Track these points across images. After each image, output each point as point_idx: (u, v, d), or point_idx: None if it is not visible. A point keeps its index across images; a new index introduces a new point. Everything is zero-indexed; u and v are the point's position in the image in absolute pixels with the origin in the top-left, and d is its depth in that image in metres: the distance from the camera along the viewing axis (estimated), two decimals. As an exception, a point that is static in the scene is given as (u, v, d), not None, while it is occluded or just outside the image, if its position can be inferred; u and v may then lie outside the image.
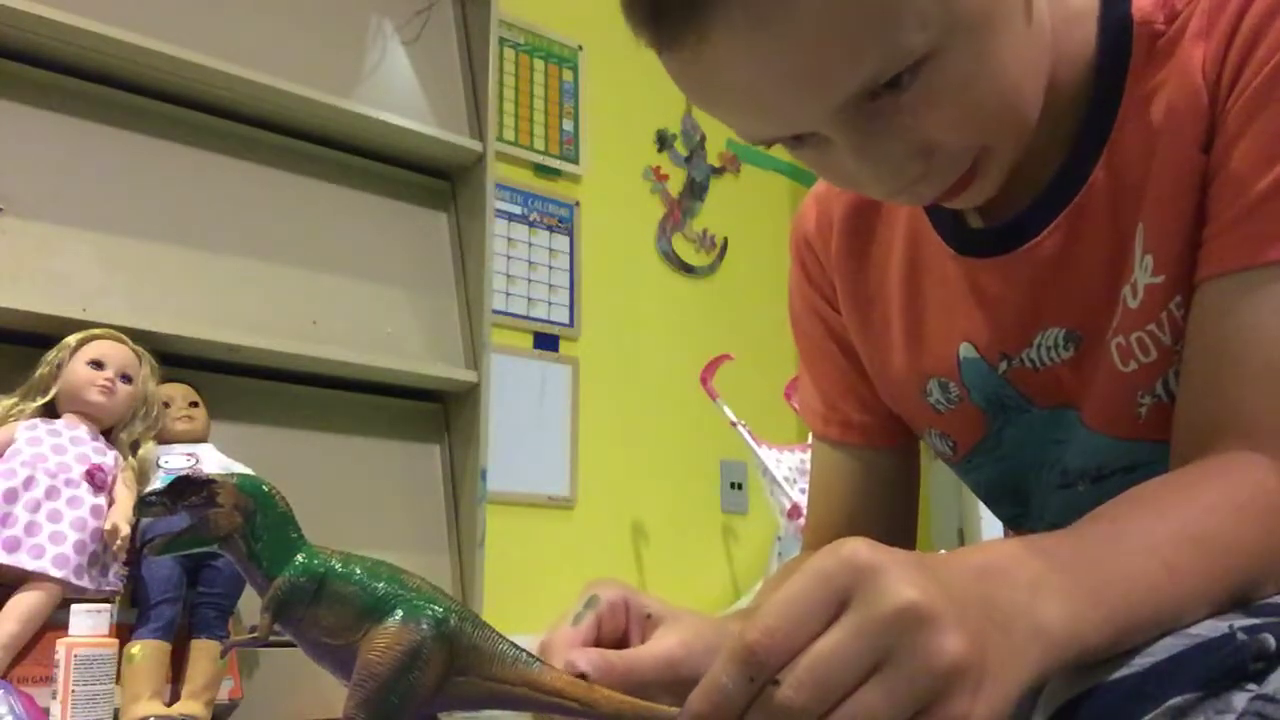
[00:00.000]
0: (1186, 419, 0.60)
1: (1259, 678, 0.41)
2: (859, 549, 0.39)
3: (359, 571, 0.53)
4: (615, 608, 0.57)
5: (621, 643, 0.57)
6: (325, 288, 2.04)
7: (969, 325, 0.72)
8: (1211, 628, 0.44)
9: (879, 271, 0.79)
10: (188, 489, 0.53)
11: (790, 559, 0.90)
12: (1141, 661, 0.44)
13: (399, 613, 0.51)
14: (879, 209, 0.79)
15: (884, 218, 0.79)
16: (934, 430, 0.79)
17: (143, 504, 0.53)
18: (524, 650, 0.52)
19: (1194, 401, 0.60)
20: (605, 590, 0.57)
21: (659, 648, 0.55)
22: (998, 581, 0.42)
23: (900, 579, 0.38)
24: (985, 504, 0.82)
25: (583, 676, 0.51)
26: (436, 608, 0.51)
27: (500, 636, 0.52)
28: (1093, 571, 0.44)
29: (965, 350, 0.73)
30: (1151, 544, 0.47)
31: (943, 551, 0.50)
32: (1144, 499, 0.52)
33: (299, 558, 0.53)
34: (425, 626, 0.51)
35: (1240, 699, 0.40)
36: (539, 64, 3.03)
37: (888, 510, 0.85)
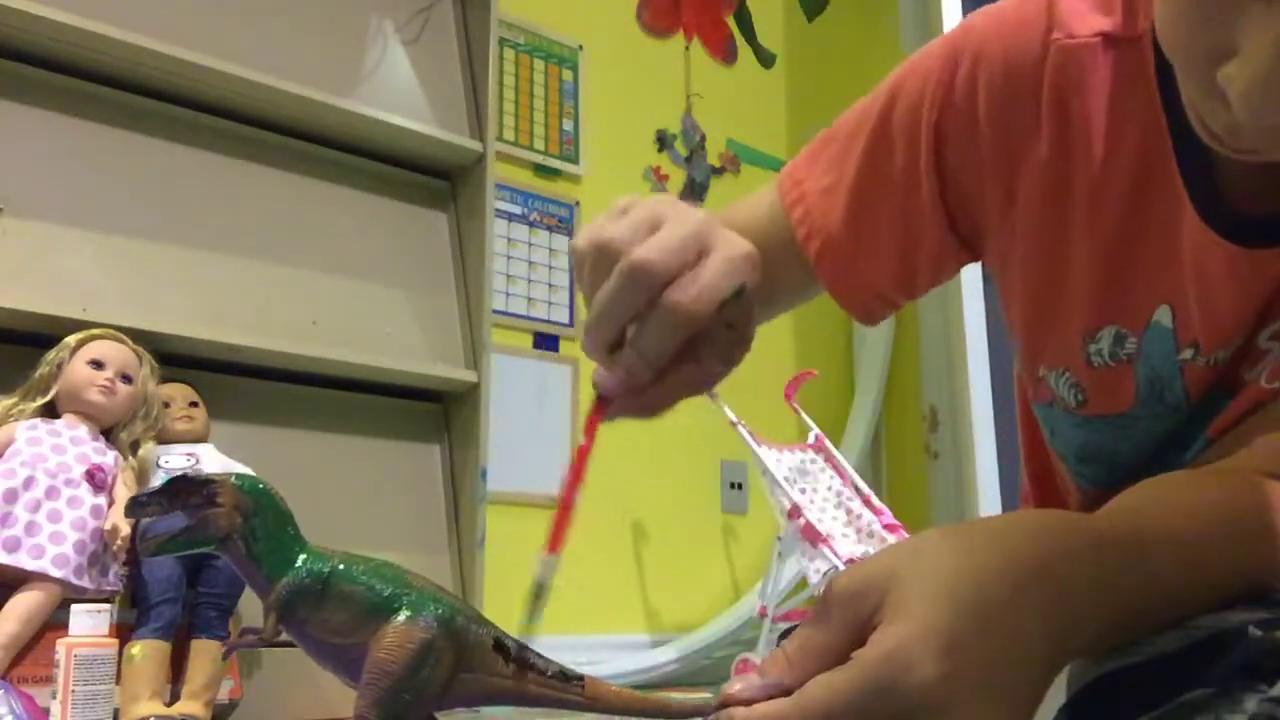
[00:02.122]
0: None
1: (1270, 678, 0.40)
2: (930, 679, 0.37)
3: (362, 571, 0.53)
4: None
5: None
6: (325, 288, 2.03)
7: (1179, 295, 0.62)
8: (1223, 619, 0.44)
9: (1085, 168, 0.63)
10: (186, 489, 0.52)
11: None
12: (1154, 651, 0.44)
13: (406, 611, 0.51)
14: (1120, 87, 0.61)
15: (1115, 103, 0.62)
16: (1067, 374, 0.67)
17: (134, 505, 0.52)
18: (527, 648, 0.52)
19: None
20: (751, 275, 0.52)
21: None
22: (1045, 594, 0.41)
23: None
24: (1073, 459, 0.72)
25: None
26: (442, 606, 0.51)
27: (504, 634, 0.52)
28: (1128, 576, 0.44)
29: (1161, 314, 0.63)
30: (1188, 556, 0.46)
31: (999, 517, 0.48)
32: (1197, 490, 0.50)
33: (302, 559, 0.53)
34: (434, 624, 0.50)
35: (1251, 700, 0.40)
36: (539, 64, 3.02)
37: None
